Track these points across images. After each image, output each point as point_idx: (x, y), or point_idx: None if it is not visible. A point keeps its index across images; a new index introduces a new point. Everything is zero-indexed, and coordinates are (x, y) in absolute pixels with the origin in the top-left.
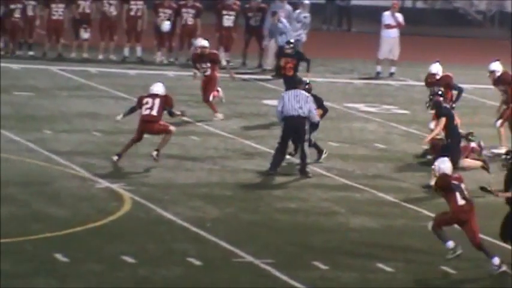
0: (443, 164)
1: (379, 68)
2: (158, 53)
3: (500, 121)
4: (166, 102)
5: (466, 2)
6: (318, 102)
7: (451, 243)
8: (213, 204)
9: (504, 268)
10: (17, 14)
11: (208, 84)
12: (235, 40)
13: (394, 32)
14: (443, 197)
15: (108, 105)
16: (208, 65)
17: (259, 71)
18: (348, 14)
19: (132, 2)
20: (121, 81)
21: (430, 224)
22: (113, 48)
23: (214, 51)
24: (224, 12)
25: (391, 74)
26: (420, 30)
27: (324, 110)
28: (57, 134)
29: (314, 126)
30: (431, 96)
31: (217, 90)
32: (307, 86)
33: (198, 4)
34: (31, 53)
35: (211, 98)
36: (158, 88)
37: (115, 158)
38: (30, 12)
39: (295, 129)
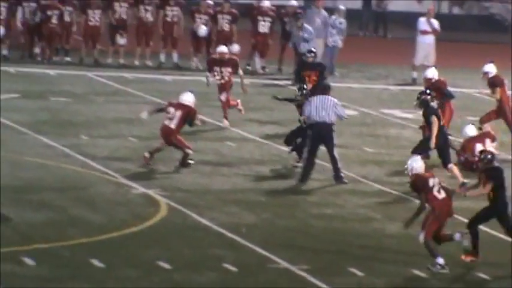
0: (416, 164)
1: (415, 74)
2: (194, 59)
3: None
4: (188, 115)
5: (502, 8)
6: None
7: (440, 260)
8: (248, 210)
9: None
10: (54, 20)
11: (227, 88)
12: (271, 46)
13: (430, 38)
14: (419, 196)
15: (144, 111)
16: (229, 70)
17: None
18: (384, 20)
19: (168, 8)
20: (157, 87)
21: (421, 236)
22: (149, 54)
23: (235, 56)
24: (260, 18)
25: None
26: (456, 36)
27: None
28: (94, 140)
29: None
30: (419, 95)
31: (237, 103)
32: (304, 92)
33: (234, 10)
34: (68, 58)
35: (222, 97)
36: (187, 98)
37: (147, 154)
38: (67, 18)
39: (322, 137)
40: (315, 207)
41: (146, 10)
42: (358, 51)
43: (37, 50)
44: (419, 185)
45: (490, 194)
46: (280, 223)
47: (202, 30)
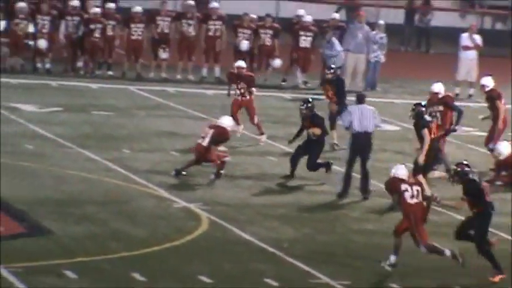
0: (398, 171)
1: (457, 90)
2: None
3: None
4: (219, 136)
5: None
6: (319, 121)
7: (448, 252)
8: (289, 224)
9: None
10: (96, 34)
11: (249, 107)
12: (312, 61)
13: (472, 54)
14: (393, 199)
15: (185, 125)
16: (244, 85)
17: None
18: (427, 35)
19: (211, 22)
20: (199, 101)
21: (422, 249)
22: (191, 68)
23: (250, 73)
24: (301, 33)
25: (470, 96)
26: (499, 52)
27: (323, 131)
28: (136, 153)
29: (320, 146)
30: (414, 107)
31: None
32: (309, 105)
33: (276, 25)
34: (110, 72)
35: (256, 121)
36: (224, 121)
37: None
38: (109, 32)
39: (362, 147)
40: (355, 223)
41: (189, 24)
42: (400, 66)
43: (80, 64)
44: (391, 186)
45: (471, 207)
46: (321, 238)
47: (244, 44)
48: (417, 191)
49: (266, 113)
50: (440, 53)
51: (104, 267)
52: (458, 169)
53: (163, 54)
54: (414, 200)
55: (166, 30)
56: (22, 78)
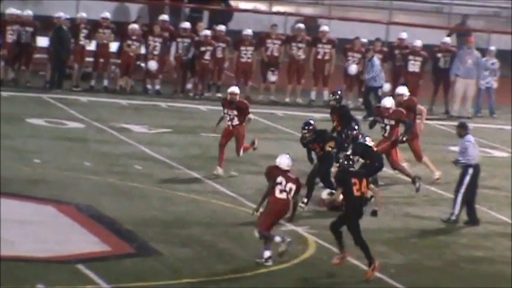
0: (281, 159)
1: None
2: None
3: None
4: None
5: None
6: (325, 135)
7: (267, 253)
8: (396, 250)
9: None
10: (206, 56)
11: (238, 137)
12: (421, 87)
13: None
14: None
15: (293, 148)
16: (235, 113)
17: (445, 117)
18: None
19: (320, 46)
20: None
21: (255, 232)
22: (300, 92)
23: (244, 100)
24: (410, 57)
25: None
26: None
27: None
28: (243, 176)
29: (330, 159)
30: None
31: (250, 145)
32: (311, 127)
33: (385, 49)
34: (219, 94)
35: (241, 153)
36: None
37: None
38: (219, 55)
39: (477, 178)
40: (464, 249)
41: (298, 48)
42: (510, 93)
43: (189, 86)
44: (269, 174)
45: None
46: (429, 264)
47: (353, 68)
48: (290, 188)
49: (375, 137)
50: None
51: None
52: (342, 160)
53: (273, 77)
54: (282, 196)
55: (275, 53)
56: (132, 99)
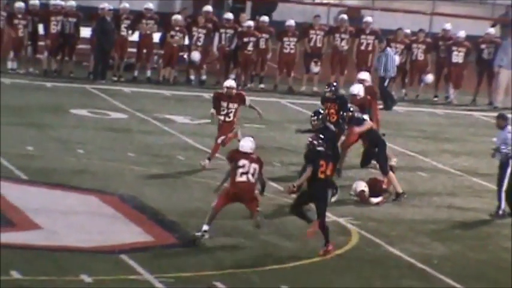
0: (244, 142)
1: None
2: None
3: None
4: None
5: None
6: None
7: (205, 227)
8: (440, 241)
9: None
10: (249, 47)
11: (227, 130)
12: (465, 78)
13: None
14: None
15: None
16: (236, 105)
17: (489, 108)
18: None
19: (363, 37)
20: None
21: (213, 204)
22: (343, 83)
23: (242, 91)
24: (454, 48)
25: None
26: None
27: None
28: (286, 167)
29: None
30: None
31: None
32: (320, 116)
33: (429, 40)
34: (262, 85)
35: (219, 141)
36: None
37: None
38: (262, 46)
39: None
40: (507, 240)
41: (342, 38)
42: None
43: (232, 76)
44: (230, 157)
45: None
46: (472, 255)
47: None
48: (254, 169)
49: (418, 128)
50: None
51: (253, 279)
52: (311, 139)
53: (315, 68)
54: (242, 179)
55: (319, 44)
56: (175, 90)
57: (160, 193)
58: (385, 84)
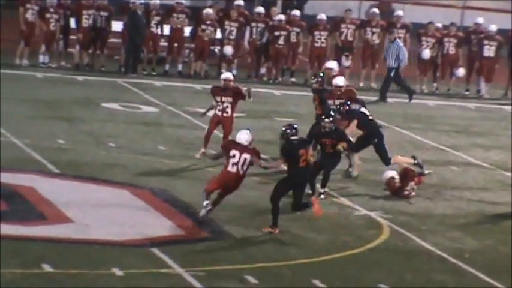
0: (240, 135)
1: None
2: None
3: None
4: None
5: None
6: (341, 135)
7: (205, 202)
8: (471, 235)
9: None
10: (280, 41)
11: (226, 126)
12: (496, 72)
13: None
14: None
15: None
16: (230, 100)
17: None
18: None
19: (394, 30)
20: (380, 109)
21: (204, 195)
22: (374, 76)
23: (237, 85)
24: (485, 42)
25: None
26: None
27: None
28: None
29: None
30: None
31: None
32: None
33: (460, 33)
34: (293, 79)
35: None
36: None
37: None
38: (293, 39)
39: None
40: None
41: (373, 32)
42: None
43: (263, 70)
44: (225, 147)
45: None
46: (503, 249)
47: (426, 53)
48: (245, 159)
49: (449, 122)
50: None
51: (284, 273)
52: (284, 128)
53: (347, 62)
54: (232, 170)
55: (350, 38)
56: (206, 84)
57: (192, 187)
58: (399, 74)
